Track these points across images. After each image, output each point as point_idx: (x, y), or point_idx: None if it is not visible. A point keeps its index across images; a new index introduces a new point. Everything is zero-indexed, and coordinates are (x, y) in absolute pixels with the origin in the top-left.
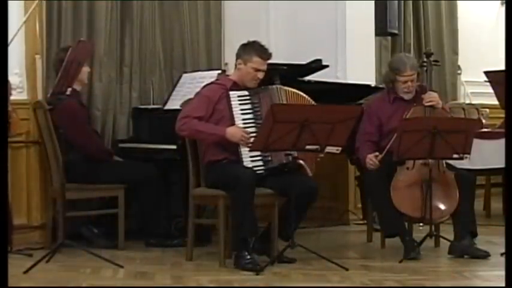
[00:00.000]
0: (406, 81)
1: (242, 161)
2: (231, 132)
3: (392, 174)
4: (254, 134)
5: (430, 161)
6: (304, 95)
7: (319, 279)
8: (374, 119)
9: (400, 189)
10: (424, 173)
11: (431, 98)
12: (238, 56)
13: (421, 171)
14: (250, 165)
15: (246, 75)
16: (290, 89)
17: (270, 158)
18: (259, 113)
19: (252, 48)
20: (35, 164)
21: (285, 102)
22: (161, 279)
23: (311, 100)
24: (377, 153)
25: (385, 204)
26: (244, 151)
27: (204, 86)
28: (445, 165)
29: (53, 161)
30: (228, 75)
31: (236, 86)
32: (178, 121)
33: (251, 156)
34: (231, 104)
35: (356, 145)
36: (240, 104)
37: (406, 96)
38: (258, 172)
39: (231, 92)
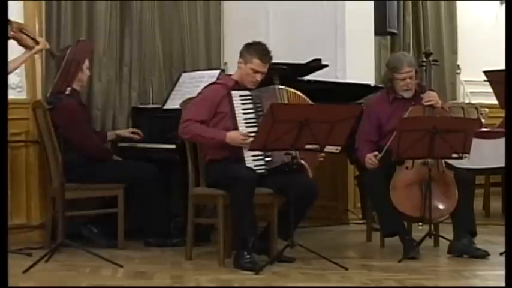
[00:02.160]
0: (404, 79)
1: (244, 160)
2: (231, 137)
3: (391, 174)
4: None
5: (429, 160)
6: (305, 96)
7: (319, 279)
8: (373, 119)
9: (399, 188)
10: (423, 172)
11: (431, 97)
12: (241, 54)
13: (421, 170)
14: (252, 164)
15: (245, 76)
16: (291, 89)
17: (271, 158)
18: (261, 113)
19: (254, 50)
20: (35, 163)
21: (286, 102)
22: (160, 278)
23: (311, 102)
24: (376, 153)
25: (385, 204)
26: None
27: (206, 86)
28: (444, 164)
29: (53, 160)
30: (229, 75)
31: (238, 86)
32: (180, 124)
33: (253, 155)
34: (233, 104)
35: (355, 145)
36: (242, 104)
37: (406, 94)
38: (260, 171)
39: (233, 92)
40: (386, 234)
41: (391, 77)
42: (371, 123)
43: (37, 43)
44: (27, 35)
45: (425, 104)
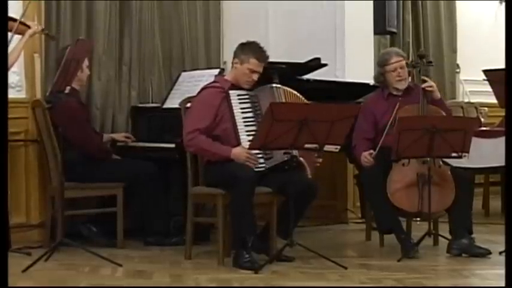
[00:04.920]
0: (395, 69)
1: None
2: (236, 153)
3: (388, 171)
4: (255, 133)
5: (428, 159)
6: (300, 95)
7: (318, 278)
8: (369, 116)
9: (396, 185)
10: (419, 168)
11: (430, 84)
12: (235, 55)
13: (417, 166)
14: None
15: (241, 76)
16: (288, 89)
17: (271, 156)
18: (259, 112)
19: (250, 49)
20: (34, 162)
21: (283, 101)
22: (160, 277)
23: (307, 102)
24: (371, 151)
25: (381, 201)
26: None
27: (202, 90)
28: (441, 161)
29: (52, 159)
30: (223, 75)
31: (234, 88)
32: (185, 136)
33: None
34: (231, 103)
35: (353, 143)
36: (240, 103)
37: (400, 85)
38: (259, 169)
39: (231, 92)
40: (382, 230)
41: (383, 71)
42: (367, 121)
43: (28, 27)
44: (15, 20)
45: (424, 86)
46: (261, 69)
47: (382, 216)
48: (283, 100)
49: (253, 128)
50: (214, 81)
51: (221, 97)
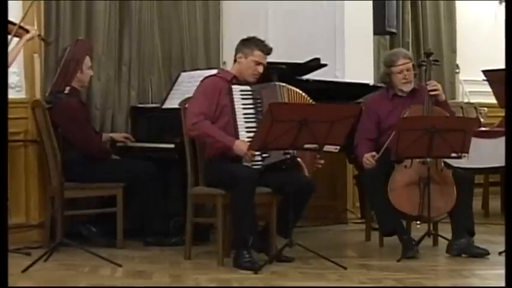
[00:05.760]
0: (401, 71)
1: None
2: (239, 145)
3: (390, 173)
4: (255, 129)
5: (428, 159)
6: (305, 94)
7: (318, 278)
8: (373, 116)
9: (397, 187)
10: (422, 171)
11: (436, 86)
12: (238, 50)
13: (419, 169)
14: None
15: (247, 69)
16: (292, 87)
17: (268, 154)
18: (260, 109)
19: (253, 43)
20: (34, 162)
21: (286, 100)
22: (160, 278)
23: (311, 100)
24: (374, 153)
25: (383, 203)
26: None
27: (205, 78)
28: (443, 164)
29: (52, 159)
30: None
31: (236, 80)
32: (190, 119)
33: None
34: (232, 98)
35: (355, 142)
36: (242, 99)
37: (405, 88)
38: (256, 167)
39: (233, 86)
40: (384, 233)
41: (389, 72)
42: (371, 121)
43: (27, 31)
44: (14, 24)
45: (430, 89)
46: (265, 61)
47: (384, 217)
48: (286, 98)
49: (253, 124)
50: (216, 72)
51: (222, 86)
